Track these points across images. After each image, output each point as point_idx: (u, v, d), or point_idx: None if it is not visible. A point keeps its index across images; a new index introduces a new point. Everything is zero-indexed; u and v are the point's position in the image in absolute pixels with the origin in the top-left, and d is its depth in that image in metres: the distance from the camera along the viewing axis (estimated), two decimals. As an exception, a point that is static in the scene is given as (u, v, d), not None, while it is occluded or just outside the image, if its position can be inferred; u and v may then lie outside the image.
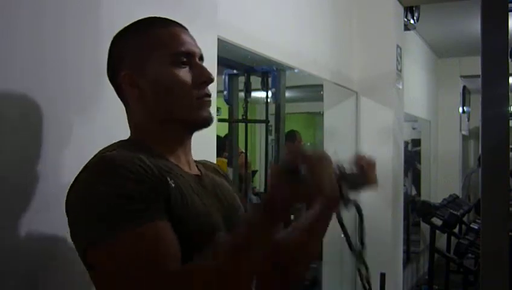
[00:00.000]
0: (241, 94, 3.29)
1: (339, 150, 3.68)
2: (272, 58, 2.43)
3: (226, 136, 3.63)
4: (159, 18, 0.95)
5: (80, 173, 0.83)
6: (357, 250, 0.97)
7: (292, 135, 4.73)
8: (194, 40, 0.94)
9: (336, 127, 3.55)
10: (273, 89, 3.04)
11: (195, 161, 1.01)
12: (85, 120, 1.17)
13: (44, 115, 1.06)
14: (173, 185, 0.83)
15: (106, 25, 1.22)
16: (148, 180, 0.79)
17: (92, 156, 0.86)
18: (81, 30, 1.16)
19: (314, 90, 4.04)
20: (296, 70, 2.91)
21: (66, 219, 0.86)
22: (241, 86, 3.26)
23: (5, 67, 0.97)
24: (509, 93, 1.13)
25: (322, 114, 3.66)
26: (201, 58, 0.94)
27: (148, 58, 0.90)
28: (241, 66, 3.07)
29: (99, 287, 0.82)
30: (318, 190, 0.71)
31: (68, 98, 1.13)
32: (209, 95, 0.92)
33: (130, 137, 0.95)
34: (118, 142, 0.92)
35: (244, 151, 3.49)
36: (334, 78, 3.17)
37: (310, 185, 0.70)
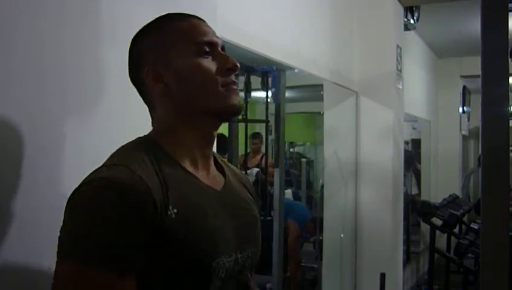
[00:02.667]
0: (241, 94, 3.29)
1: (339, 150, 3.68)
2: (272, 58, 2.43)
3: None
4: (177, 13, 0.95)
5: (83, 181, 0.79)
6: None
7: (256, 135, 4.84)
8: (214, 31, 0.93)
9: (335, 127, 3.55)
10: (273, 89, 3.04)
11: (222, 164, 0.99)
12: (85, 120, 1.17)
13: (44, 115, 1.06)
14: (174, 216, 0.79)
15: (107, 25, 1.22)
16: (135, 227, 0.75)
17: (100, 165, 0.82)
18: (81, 30, 1.16)
19: (314, 90, 4.03)
20: (296, 70, 2.91)
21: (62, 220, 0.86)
22: (241, 86, 3.26)
23: (4, 67, 0.97)
24: (509, 93, 1.13)
25: (322, 114, 3.66)
26: (223, 48, 0.93)
27: (171, 52, 0.89)
28: (241, 66, 3.06)
29: None
30: None
31: (68, 99, 1.13)
32: (235, 83, 0.90)
33: (149, 136, 0.91)
34: (135, 141, 0.89)
35: (264, 152, 3.51)
36: (334, 78, 3.17)
37: None
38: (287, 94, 3.11)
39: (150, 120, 0.94)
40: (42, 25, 1.06)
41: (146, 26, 0.94)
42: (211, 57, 0.89)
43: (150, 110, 0.93)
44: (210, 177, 0.93)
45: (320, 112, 3.95)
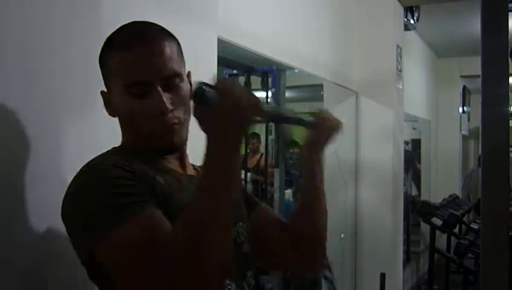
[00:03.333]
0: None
1: (338, 150, 3.68)
2: (272, 58, 2.43)
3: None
4: (129, 31, 0.91)
5: (70, 183, 0.85)
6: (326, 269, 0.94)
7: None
8: (166, 55, 0.88)
9: (335, 127, 3.55)
10: (273, 89, 3.04)
11: (195, 166, 1.01)
12: (88, 117, 1.17)
13: (45, 112, 1.06)
14: (162, 181, 0.85)
15: (108, 24, 1.22)
16: (134, 177, 0.81)
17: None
18: (85, 28, 1.17)
19: (314, 90, 4.03)
20: (296, 70, 2.91)
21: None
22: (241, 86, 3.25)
23: (9, 64, 0.98)
24: (509, 93, 1.13)
25: (322, 114, 3.65)
26: (169, 77, 0.88)
27: (111, 85, 0.91)
28: (241, 66, 3.07)
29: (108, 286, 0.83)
30: (231, 101, 0.72)
31: (71, 95, 1.13)
32: (170, 124, 0.88)
33: (121, 144, 0.96)
34: (110, 149, 0.94)
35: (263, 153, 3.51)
36: (334, 78, 3.17)
37: (223, 101, 0.72)
38: (287, 94, 3.11)
39: None
40: (49, 24, 1.06)
41: (106, 41, 0.93)
42: (147, 95, 0.87)
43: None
44: (186, 170, 0.97)
45: (320, 112, 3.94)
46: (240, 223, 0.99)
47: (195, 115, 0.78)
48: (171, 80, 0.89)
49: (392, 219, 3.45)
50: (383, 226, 3.43)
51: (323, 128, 1.06)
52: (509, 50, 1.12)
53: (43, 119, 1.06)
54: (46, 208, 1.04)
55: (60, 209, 0.86)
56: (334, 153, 3.47)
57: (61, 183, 1.07)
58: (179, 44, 0.94)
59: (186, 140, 0.94)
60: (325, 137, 1.08)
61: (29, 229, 1.01)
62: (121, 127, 0.95)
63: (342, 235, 3.44)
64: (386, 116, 3.46)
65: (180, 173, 0.94)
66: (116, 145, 0.96)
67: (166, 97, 0.87)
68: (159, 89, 0.86)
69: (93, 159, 0.87)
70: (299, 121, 1.02)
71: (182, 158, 0.97)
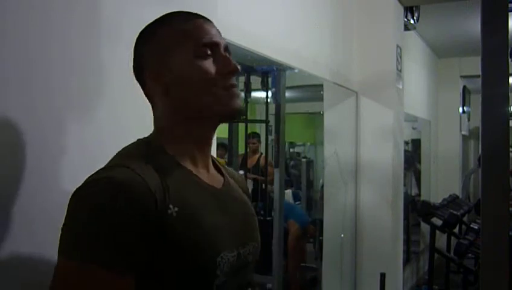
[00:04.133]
0: (241, 94, 3.29)
1: (339, 150, 3.68)
2: (271, 58, 2.43)
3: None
4: (182, 12, 0.94)
5: (80, 188, 0.79)
6: None
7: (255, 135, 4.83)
8: (218, 31, 0.93)
9: (336, 127, 3.55)
10: (273, 89, 3.04)
11: (220, 168, 1.00)
12: (90, 118, 1.17)
13: (48, 113, 1.06)
14: (175, 214, 0.80)
15: (110, 25, 1.23)
16: (139, 222, 0.75)
17: (102, 169, 0.82)
18: (86, 29, 1.17)
19: (314, 90, 4.04)
20: (296, 70, 2.92)
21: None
22: (241, 86, 3.26)
23: (9, 66, 0.98)
24: (510, 93, 1.13)
25: (322, 114, 3.66)
26: (226, 49, 0.92)
27: (172, 52, 0.88)
28: (241, 66, 3.06)
29: None
30: None
31: (73, 97, 1.13)
32: (235, 86, 0.90)
33: (150, 136, 0.92)
34: (136, 143, 0.90)
35: (262, 152, 3.51)
36: (334, 78, 3.17)
37: None
38: (287, 94, 3.12)
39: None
40: (47, 24, 1.06)
41: (149, 26, 0.93)
42: (212, 59, 0.89)
43: (152, 110, 0.94)
44: (209, 176, 0.94)
45: (320, 112, 3.96)
46: (254, 243, 0.96)
47: (224, 115, 0.83)
48: (226, 50, 0.92)
49: (392, 219, 3.45)
50: (383, 226, 3.43)
51: None
52: (509, 50, 1.12)
53: (45, 119, 1.06)
54: (48, 208, 1.04)
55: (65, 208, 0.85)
56: (334, 153, 3.47)
57: (62, 185, 1.07)
58: None
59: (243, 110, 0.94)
60: None
61: (29, 230, 1.01)
62: (161, 109, 0.90)
63: (342, 235, 3.44)
64: (386, 116, 3.46)
65: (205, 183, 0.90)
66: (122, 147, 0.91)
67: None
68: (224, 53, 0.90)
69: (110, 171, 0.80)
70: None
71: (208, 157, 0.95)
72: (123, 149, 0.89)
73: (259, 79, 3.24)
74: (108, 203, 0.74)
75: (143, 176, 0.79)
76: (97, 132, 1.19)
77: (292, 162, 6.96)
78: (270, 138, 3.72)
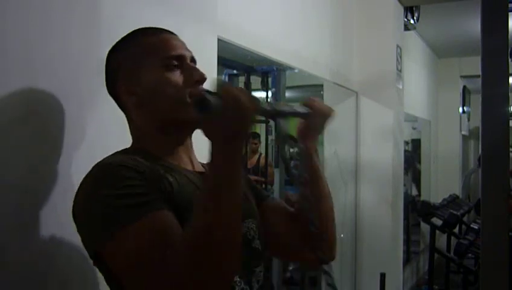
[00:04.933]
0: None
1: (339, 150, 3.67)
2: (271, 58, 2.43)
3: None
4: (149, 28, 0.99)
5: (82, 182, 0.86)
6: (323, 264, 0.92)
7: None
8: (183, 44, 0.98)
9: (336, 127, 3.54)
10: (273, 89, 3.04)
11: (202, 163, 1.03)
12: (96, 119, 1.17)
13: (53, 114, 1.06)
14: (171, 179, 0.86)
15: (109, 25, 1.23)
16: (144, 176, 0.82)
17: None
18: (90, 30, 1.17)
19: (314, 90, 4.03)
20: (296, 70, 2.91)
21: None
22: (241, 86, 3.26)
23: (13, 63, 0.98)
24: (510, 93, 1.13)
25: (322, 114, 3.64)
26: (192, 60, 0.98)
27: (141, 66, 0.94)
28: (241, 66, 3.07)
29: (116, 285, 0.84)
30: (233, 106, 0.74)
31: (79, 97, 1.13)
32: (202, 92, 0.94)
33: (131, 146, 0.98)
34: (119, 151, 0.95)
35: (262, 153, 3.50)
36: (334, 78, 3.17)
37: (225, 107, 0.74)
38: (287, 94, 3.11)
39: None
40: (51, 24, 1.06)
41: (119, 42, 0.99)
42: (179, 70, 0.94)
43: (127, 121, 0.99)
44: (194, 166, 0.99)
45: (320, 112, 3.94)
46: (250, 219, 0.99)
47: (197, 122, 0.82)
48: (192, 61, 0.98)
49: (392, 219, 3.45)
50: (383, 226, 3.43)
51: (317, 116, 1.07)
52: (509, 50, 1.12)
53: (42, 119, 1.06)
54: (52, 207, 1.04)
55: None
56: (334, 153, 3.47)
57: (68, 183, 1.07)
58: None
59: None
60: (319, 125, 1.09)
61: (37, 228, 1.01)
62: (135, 121, 0.97)
63: (342, 235, 3.44)
64: (386, 116, 3.46)
65: (190, 170, 0.96)
66: (125, 146, 0.97)
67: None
68: (189, 63, 0.96)
69: (103, 159, 0.88)
70: (294, 113, 1.04)
71: (190, 152, 1.00)
72: (106, 157, 0.92)
73: (259, 79, 3.23)
74: (117, 170, 0.82)
75: (133, 158, 0.86)
76: (98, 132, 1.19)
77: (293, 162, 6.94)
78: (270, 138, 3.71)
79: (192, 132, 0.99)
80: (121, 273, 0.79)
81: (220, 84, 0.77)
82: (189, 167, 0.98)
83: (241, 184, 0.80)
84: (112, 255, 0.79)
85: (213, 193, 0.76)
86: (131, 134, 0.99)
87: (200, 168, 1.01)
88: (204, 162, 1.02)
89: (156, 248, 0.75)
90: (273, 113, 0.92)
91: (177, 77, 0.93)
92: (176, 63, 0.94)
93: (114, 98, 0.99)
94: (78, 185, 0.86)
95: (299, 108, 1.04)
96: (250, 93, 0.80)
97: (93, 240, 0.81)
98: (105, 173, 0.83)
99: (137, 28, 1.00)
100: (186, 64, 0.95)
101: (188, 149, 1.00)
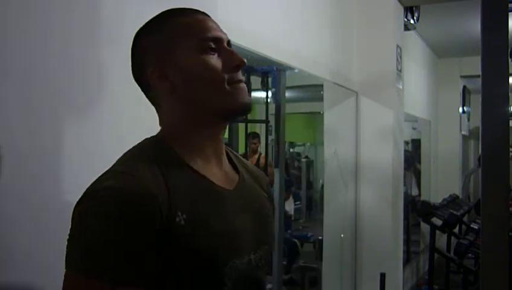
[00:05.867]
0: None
1: (339, 150, 3.67)
2: (272, 58, 2.43)
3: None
4: (180, 8, 0.91)
5: (83, 198, 0.77)
6: None
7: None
8: (219, 26, 0.90)
9: (336, 127, 3.55)
10: (273, 89, 3.04)
11: (236, 161, 0.97)
12: (90, 118, 1.17)
13: (48, 113, 1.06)
14: (183, 222, 0.77)
15: (109, 25, 1.23)
16: (139, 239, 0.74)
17: (104, 172, 0.80)
18: (85, 27, 1.17)
19: (314, 90, 4.04)
20: (296, 70, 2.91)
21: (65, 218, 0.86)
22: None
23: (10, 66, 0.98)
24: (509, 93, 1.13)
25: (322, 114, 3.66)
26: (229, 43, 0.90)
27: (176, 49, 0.85)
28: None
29: None
30: None
31: (72, 96, 1.13)
32: (242, 80, 0.88)
33: (157, 137, 0.89)
34: (143, 144, 0.87)
35: (262, 152, 3.50)
36: (334, 78, 3.17)
37: None
38: (287, 94, 3.11)
39: (156, 117, 0.93)
40: (48, 25, 1.06)
41: (148, 23, 0.90)
42: (216, 54, 0.86)
43: (156, 110, 0.91)
44: (222, 175, 0.90)
45: (320, 112, 3.95)
46: (266, 247, 0.93)
47: (234, 112, 0.83)
48: (228, 45, 0.90)
49: (392, 219, 3.45)
50: (383, 226, 3.43)
51: None
52: (509, 50, 1.12)
53: (43, 119, 1.06)
54: (46, 209, 1.04)
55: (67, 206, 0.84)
56: (334, 153, 3.47)
57: (61, 185, 1.07)
58: None
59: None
60: None
61: (28, 230, 1.01)
62: (168, 110, 0.88)
63: (342, 235, 3.44)
64: (386, 117, 3.46)
65: (217, 187, 0.86)
66: (123, 148, 0.89)
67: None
68: (227, 47, 0.88)
69: (116, 180, 0.77)
70: None
71: (222, 154, 0.92)
72: (130, 150, 0.86)
73: (259, 79, 3.23)
74: (110, 215, 0.73)
75: (148, 184, 0.76)
76: (97, 131, 1.19)
77: (297, 163, 6.94)
78: (270, 138, 3.72)
79: (226, 125, 0.91)
80: None
81: None
82: (217, 177, 0.88)
83: None
84: (64, 281, 0.74)
85: None
86: (161, 124, 0.89)
87: (230, 177, 0.92)
88: (239, 154, 0.96)
89: None
90: None
91: (215, 60, 0.85)
92: (213, 45, 0.86)
93: (142, 85, 0.90)
94: (84, 192, 0.78)
95: None
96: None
97: (66, 253, 0.76)
98: (110, 209, 0.73)
99: (167, 9, 0.91)
100: (223, 47, 0.87)
101: (219, 147, 0.91)
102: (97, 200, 0.75)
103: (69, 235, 0.76)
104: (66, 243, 0.76)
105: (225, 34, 0.90)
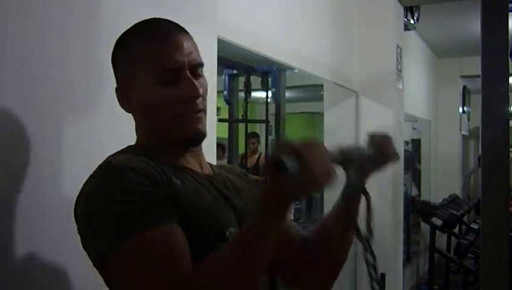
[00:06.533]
0: (241, 94, 3.29)
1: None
2: (271, 58, 2.43)
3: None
4: (151, 25, 0.92)
5: (87, 181, 0.82)
6: (365, 237, 0.92)
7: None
8: (186, 49, 0.89)
9: (336, 127, 3.55)
10: (273, 89, 3.04)
11: (211, 164, 1.00)
12: (89, 118, 1.17)
13: (48, 113, 1.06)
14: (179, 183, 0.83)
15: (108, 25, 1.22)
16: (154, 182, 0.79)
17: (101, 162, 0.84)
18: (84, 28, 1.17)
19: (314, 90, 4.04)
20: (296, 70, 2.91)
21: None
22: (241, 86, 3.26)
23: (9, 66, 0.97)
24: (510, 93, 1.13)
25: (322, 114, 3.66)
26: (194, 67, 0.89)
27: (135, 77, 0.89)
28: (241, 66, 3.07)
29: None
30: (309, 178, 0.66)
31: (72, 96, 1.13)
32: (199, 110, 0.89)
33: (136, 142, 0.94)
34: (126, 147, 0.92)
35: (261, 152, 3.49)
36: (334, 78, 3.17)
37: (301, 175, 0.65)
38: (287, 94, 3.12)
39: None
40: (48, 24, 1.06)
41: (121, 38, 0.93)
42: (174, 84, 0.87)
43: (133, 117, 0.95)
44: (202, 168, 0.95)
45: (320, 112, 3.95)
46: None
47: (195, 139, 0.85)
48: (197, 69, 0.90)
49: (392, 219, 3.45)
50: (383, 226, 3.42)
51: (380, 158, 1.04)
52: (509, 50, 1.12)
53: (43, 119, 1.06)
54: (45, 209, 1.04)
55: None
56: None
57: (60, 183, 1.07)
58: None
59: (206, 133, 0.92)
60: (378, 167, 1.07)
61: (28, 229, 1.01)
62: (138, 124, 0.93)
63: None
64: (386, 116, 3.46)
65: (198, 172, 0.92)
66: (123, 145, 0.94)
67: (195, 83, 0.88)
68: (189, 74, 0.87)
69: (110, 158, 0.84)
70: (362, 158, 0.99)
71: (199, 156, 0.95)
72: (113, 153, 0.88)
73: (259, 79, 3.23)
74: (120, 177, 0.78)
75: (137, 160, 0.82)
76: (97, 130, 1.19)
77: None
78: (270, 138, 3.72)
79: (196, 146, 0.93)
80: (118, 285, 0.77)
81: (303, 146, 0.67)
82: (197, 168, 0.93)
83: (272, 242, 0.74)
84: (112, 264, 0.76)
85: (245, 251, 0.72)
86: (136, 132, 0.94)
87: (209, 170, 0.96)
88: (213, 163, 0.99)
89: (160, 268, 0.72)
90: (342, 162, 0.86)
91: (168, 93, 0.86)
92: (170, 76, 0.86)
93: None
94: (83, 185, 0.82)
95: (365, 148, 0.99)
96: (328, 158, 0.72)
97: (94, 245, 0.78)
98: (112, 174, 0.79)
99: (144, 20, 0.93)
100: (184, 77, 0.87)
101: (196, 154, 0.94)
102: (100, 172, 0.81)
103: (88, 218, 0.79)
104: (87, 228, 0.79)
105: (192, 56, 0.89)
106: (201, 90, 0.88)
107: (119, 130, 1.04)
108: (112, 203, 0.76)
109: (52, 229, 1.04)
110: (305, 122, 7.93)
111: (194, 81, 0.87)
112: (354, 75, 3.45)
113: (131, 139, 0.94)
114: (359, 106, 3.50)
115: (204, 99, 0.91)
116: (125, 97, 0.91)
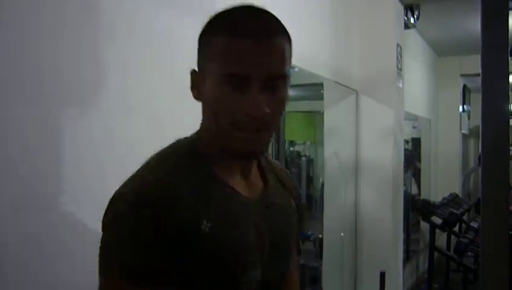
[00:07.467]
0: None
1: (339, 149, 3.68)
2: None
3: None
4: (242, 14, 0.83)
5: (110, 203, 0.79)
6: None
7: None
8: (269, 54, 0.80)
9: (336, 126, 3.55)
10: (273, 88, 3.03)
11: (263, 172, 0.95)
12: (83, 118, 1.17)
13: (44, 112, 1.06)
14: (207, 230, 0.78)
15: (106, 24, 1.22)
16: (170, 238, 0.75)
17: (143, 164, 0.81)
18: (82, 27, 1.16)
19: (314, 89, 4.03)
20: (296, 69, 2.91)
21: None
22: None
23: (6, 66, 0.97)
24: (510, 92, 1.13)
25: (322, 113, 3.66)
26: (270, 78, 0.79)
27: (207, 67, 0.82)
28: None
29: None
30: None
31: (68, 97, 1.13)
32: (256, 130, 0.79)
33: (193, 137, 0.88)
34: (176, 146, 0.86)
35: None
36: (334, 77, 3.17)
37: None
38: (287, 93, 3.11)
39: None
40: (40, 23, 1.06)
41: (214, 18, 0.85)
42: (242, 90, 0.78)
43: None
44: (248, 185, 0.90)
45: (320, 111, 3.95)
46: (286, 253, 0.95)
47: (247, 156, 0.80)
48: (274, 81, 0.81)
49: (392, 218, 3.45)
50: (383, 225, 3.43)
51: None
52: (509, 49, 1.12)
53: (40, 119, 1.06)
54: (42, 208, 1.04)
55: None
56: (334, 152, 3.47)
57: (72, 185, 1.07)
58: (290, 41, 0.88)
59: (266, 148, 0.86)
60: None
61: (23, 230, 1.01)
62: (203, 113, 0.86)
63: (342, 235, 3.44)
64: (386, 115, 3.46)
65: (240, 194, 0.86)
66: (129, 148, 0.92)
67: (262, 99, 0.77)
68: (257, 87, 0.77)
69: (149, 168, 0.80)
70: None
71: (250, 170, 0.90)
72: (161, 151, 0.85)
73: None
74: (133, 223, 0.74)
75: (173, 187, 0.78)
76: (91, 130, 1.19)
77: (297, 161, 6.93)
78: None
79: (243, 162, 0.87)
80: None
81: None
82: (242, 186, 0.87)
83: None
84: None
85: None
86: (202, 120, 0.88)
87: (256, 189, 0.90)
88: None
89: None
90: None
91: (232, 98, 0.78)
92: (239, 81, 0.77)
93: None
94: (120, 187, 0.79)
95: None
96: None
97: (99, 265, 0.77)
98: (136, 211, 0.75)
99: (242, 6, 0.84)
100: (251, 89, 0.77)
101: (247, 168, 0.89)
102: (120, 206, 0.77)
103: (103, 238, 0.77)
104: (103, 244, 0.77)
105: (272, 68, 0.80)
106: (266, 110, 0.77)
107: (118, 129, 1.04)
108: (120, 239, 0.75)
109: (44, 227, 1.04)
110: (305, 121, 7.92)
111: (259, 99, 0.77)
112: (354, 74, 3.45)
113: (125, 139, 0.93)
114: (359, 104, 3.50)
115: (280, 110, 0.83)
116: (196, 83, 0.84)
